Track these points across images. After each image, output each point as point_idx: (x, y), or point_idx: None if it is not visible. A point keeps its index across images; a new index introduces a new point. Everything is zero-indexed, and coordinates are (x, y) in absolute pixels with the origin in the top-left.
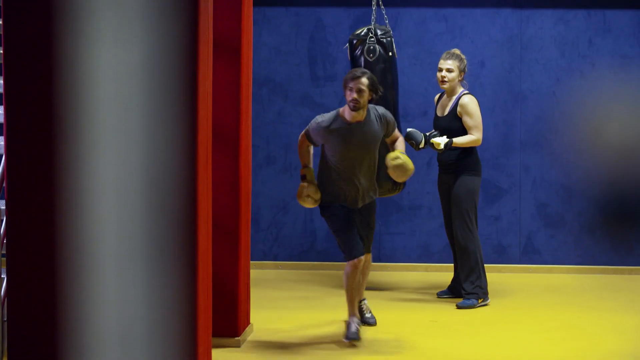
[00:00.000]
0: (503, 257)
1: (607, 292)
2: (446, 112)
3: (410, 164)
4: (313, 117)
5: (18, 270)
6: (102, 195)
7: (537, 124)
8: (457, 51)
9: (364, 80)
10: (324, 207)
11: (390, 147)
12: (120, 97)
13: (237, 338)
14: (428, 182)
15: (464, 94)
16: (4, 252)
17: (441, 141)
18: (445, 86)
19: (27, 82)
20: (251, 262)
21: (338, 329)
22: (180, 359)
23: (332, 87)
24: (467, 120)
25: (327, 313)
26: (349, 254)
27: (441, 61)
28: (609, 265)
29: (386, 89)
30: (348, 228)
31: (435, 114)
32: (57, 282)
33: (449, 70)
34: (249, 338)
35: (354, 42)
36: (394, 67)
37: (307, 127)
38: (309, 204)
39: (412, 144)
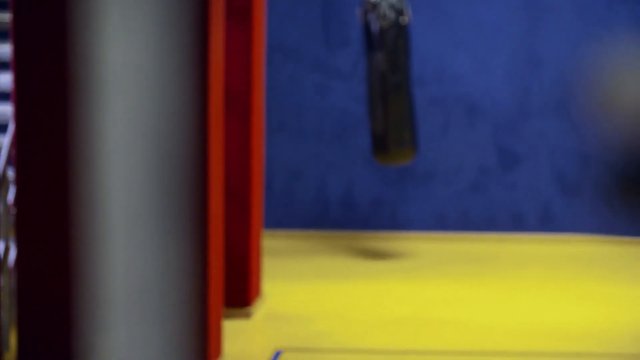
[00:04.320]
0: (519, 225)
1: (625, 261)
2: None
3: None
4: (326, 82)
5: (28, 235)
6: (112, 161)
7: (554, 89)
8: None
9: None
10: None
11: None
12: (128, 59)
13: (247, 308)
14: (443, 149)
15: None
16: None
17: None
18: None
19: (38, 48)
20: (264, 230)
21: (351, 298)
22: (191, 325)
23: (345, 51)
24: None
25: (340, 283)
26: None
27: None
28: (627, 235)
29: (399, 55)
30: None
31: None
32: (67, 247)
33: None
34: (260, 309)
35: (367, 6)
36: (407, 32)
37: None
38: None
39: None
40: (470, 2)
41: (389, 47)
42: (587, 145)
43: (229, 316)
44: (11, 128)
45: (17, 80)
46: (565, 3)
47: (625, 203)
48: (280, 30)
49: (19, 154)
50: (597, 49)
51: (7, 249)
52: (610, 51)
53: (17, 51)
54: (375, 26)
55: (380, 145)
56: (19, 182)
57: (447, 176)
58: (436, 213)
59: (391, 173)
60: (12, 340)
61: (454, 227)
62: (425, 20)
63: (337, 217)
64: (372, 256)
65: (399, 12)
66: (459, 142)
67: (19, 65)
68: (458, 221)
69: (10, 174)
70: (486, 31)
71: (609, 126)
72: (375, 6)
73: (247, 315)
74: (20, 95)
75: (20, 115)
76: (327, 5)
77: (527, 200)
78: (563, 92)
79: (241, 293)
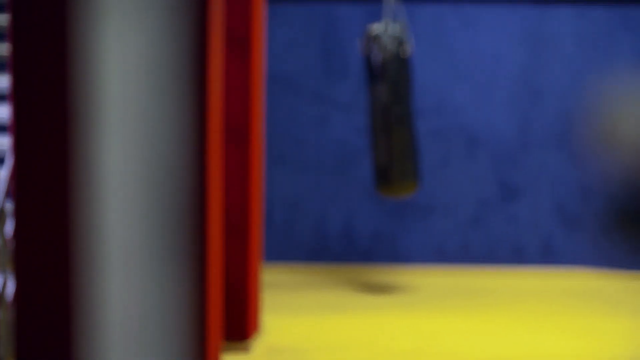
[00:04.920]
0: (520, 258)
1: (626, 295)
2: None
3: None
4: (326, 113)
5: (27, 272)
6: (112, 192)
7: (555, 121)
8: None
9: None
10: None
11: None
12: (130, 91)
13: (246, 341)
14: (444, 181)
15: None
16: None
17: None
18: None
19: (38, 80)
20: (264, 264)
21: (351, 332)
22: (190, 358)
23: (345, 83)
24: None
25: (340, 317)
26: None
27: None
28: (627, 268)
29: (401, 86)
30: None
31: None
32: (66, 282)
33: None
34: (259, 342)
35: (369, 38)
36: (409, 64)
37: None
38: None
39: None
40: (471, 34)
41: (391, 79)
42: (588, 178)
43: (227, 350)
44: (9, 161)
45: (16, 113)
46: (566, 34)
47: (626, 236)
48: (280, 61)
49: (18, 186)
50: (599, 80)
51: (5, 283)
52: (612, 83)
53: (15, 84)
54: (377, 58)
55: (384, 177)
56: (18, 215)
57: (448, 209)
58: (436, 246)
59: (391, 206)
60: None
61: (454, 260)
62: (426, 52)
63: (337, 249)
64: (372, 289)
65: (401, 44)
66: (459, 174)
67: (18, 98)
68: (458, 254)
69: (9, 206)
70: (487, 63)
71: (610, 159)
72: (376, 38)
73: (246, 349)
74: (19, 128)
75: (19, 147)
76: (326, 37)
77: (527, 233)
78: (564, 124)
79: (240, 326)
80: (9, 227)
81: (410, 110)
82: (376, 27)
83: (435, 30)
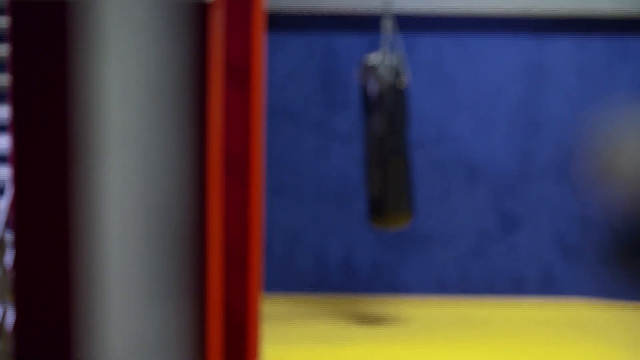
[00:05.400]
0: (520, 289)
1: (626, 326)
2: None
3: None
4: (326, 145)
5: (27, 302)
6: (110, 225)
7: (555, 152)
8: None
9: None
10: None
11: None
12: (130, 121)
13: None
14: (444, 212)
15: None
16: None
17: None
18: None
19: (37, 110)
20: (264, 295)
21: None
22: None
23: (344, 114)
24: None
25: (339, 347)
26: None
27: None
28: (627, 299)
29: (397, 118)
30: None
31: None
32: (66, 313)
33: None
34: None
35: (366, 69)
36: (405, 95)
37: None
38: None
39: None
40: (470, 64)
41: (387, 110)
42: (588, 209)
43: None
44: (9, 191)
45: (16, 144)
46: (565, 65)
47: (626, 267)
48: (280, 92)
49: (18, 217)
50: (598, 111)
51: (4, 313)
52: (612, 113)
53: (15, 116)
54: (373, 89)
55: (377, 209)
56: (18, 245)
57: (447, 239)
58: (436, 277)
59: (391, 237)
60: None
61: (454, 291)
62: (425, 82)
63: (337, 280)
64: (372, 320)
65: (398, 75)
66: (459, 204)
67: (18, 128)
68: (458, 285)
69: (9, 237)
70: (487, 93)
71: (610, 189)
72: (373, 68)
73: None
74: (19, 159)
75: (19, 178)
76: (325, 68)
77: (527, 264)
78: (564, 155)
79: (240, 357)
80: (9, 257)
81: (406, 141)
82: (373, 58)
83: (435, 60)
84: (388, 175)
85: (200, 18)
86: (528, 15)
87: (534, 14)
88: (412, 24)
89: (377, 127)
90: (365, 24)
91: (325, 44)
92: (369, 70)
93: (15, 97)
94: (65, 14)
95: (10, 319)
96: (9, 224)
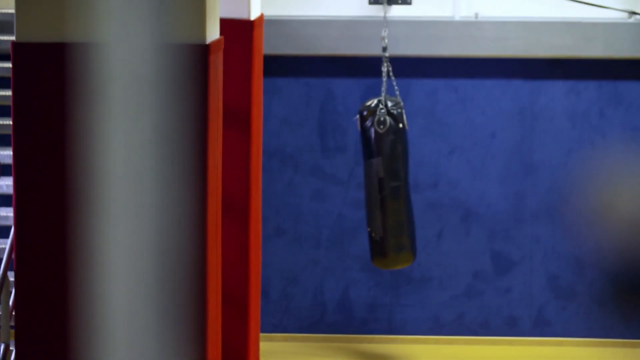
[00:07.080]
0: (514, 329)
1: None
2: None
3: None
4: (323, 188)
5: (27, 337)
6: (111, 267)
7: (548, 195)
8: None
9: None
10: None
11: None
12: (130, 167)
13: None
14: (439, 254)
15: None
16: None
17: None
18: None
19: (38, 153)
20: (261, 334)
21: None
22: None
23: (342, 158)
24: None
25: None
26: None
27: None
28: (621, 339)
29: (397, 160)
30: None
31: None
32: (66, 350)
33: None
34: None
35: (364, 113)
36: (404, 138)
37: None
38: None
39: None
40: (465, 109)
41: (386, 153)
42: (580, 250)
43: None
44: (11, 232)
45: (17, 186)
46: (558, 110)
47: (619, 307)
48: (278, 136)
49: (19, 257)
50: (591, 155)
51: (6, 350)
52: (604, 157)
53: (16, 157)
54: (372, 132)
55: (379, 250)
56: (19, 285)
57: (443, 281)
58: (432, 317)
59: (387, 278)
60: None
61: (449, 331)
62: (420, 126)
63: (334, 321)
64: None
65: (396, 118)
66: (454, 246)
67: (19, 170)
68: (453, 325)
69: (10, 277)
70: (481, 137)
71: (603, 231)
72: (372, 112)
73: None
74: (20, 201)
75: (20, 221)
76: (323, 112)
77: (521, 305)
78: (557, 198)
79: None
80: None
81: (406, 184)
82: (371, 102)
83: (430, 105)
84: (389, 217)
85: (201, 61)
86: (521, 57)
87: (528, 56)
88: (406, 68)
89: (378, 170)
90: (363, 68)
91: (323, 88)
92: (368, 113)
93: (17, 141)
94: (65, 55)
95: (12, 358)
96: (11, 264)
